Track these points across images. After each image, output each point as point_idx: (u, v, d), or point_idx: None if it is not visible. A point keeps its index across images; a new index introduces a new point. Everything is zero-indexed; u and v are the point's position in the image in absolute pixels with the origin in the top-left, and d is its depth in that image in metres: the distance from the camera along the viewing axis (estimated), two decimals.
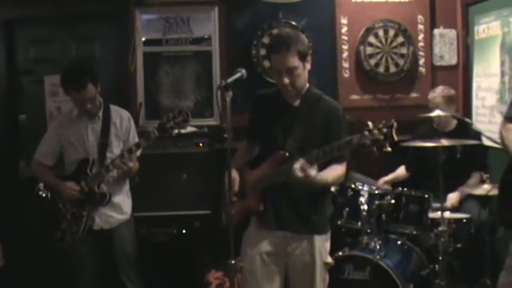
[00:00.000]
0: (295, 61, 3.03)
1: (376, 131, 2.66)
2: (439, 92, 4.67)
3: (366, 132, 2.69)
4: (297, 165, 2.86)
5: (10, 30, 5.37)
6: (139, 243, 4.24)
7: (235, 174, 3.23)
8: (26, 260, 5.18)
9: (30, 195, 4.06)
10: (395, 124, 2.65)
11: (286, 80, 3.06)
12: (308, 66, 3.12)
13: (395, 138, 2.63)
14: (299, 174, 2.86)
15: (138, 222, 4.37)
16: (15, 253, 5.06)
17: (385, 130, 2.65)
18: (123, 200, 4.04)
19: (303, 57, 3.06)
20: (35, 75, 5.36)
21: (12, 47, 5.39)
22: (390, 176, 4.95)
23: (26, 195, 4.32)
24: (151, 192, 4.65)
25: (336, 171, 3.09)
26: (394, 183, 4.86)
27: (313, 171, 2.89)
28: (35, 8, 5.18)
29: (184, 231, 4.75)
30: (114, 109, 4.04)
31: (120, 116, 4.03)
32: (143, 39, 5.30)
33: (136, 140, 3.97)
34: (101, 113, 3.96)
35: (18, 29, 5.40)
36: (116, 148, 3.95)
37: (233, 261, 2.87)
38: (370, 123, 2.69)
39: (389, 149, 2.66)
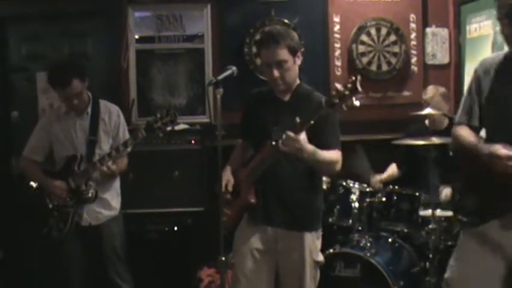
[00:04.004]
0: (284, 54, 3.06)
1: (342, 88, 2.73)
2: (434, 92, 4.67)
3: (333, 92, 2.76)
4: (283, 137, 2.89)
5: (2, 27, 5.36)
6: (131, 240, 4.25)
7: (228, 175, 3.26)
8: (17, 257, 5.18)
9: (22, 192, 4.06)
10: (359, 77, 2.71)
11: (276, 73, 3.07)
12: (298, 61, 3.15)
13: (359, 88, 2.69)
14: (286, 144, 2.89)
15: (130, 219, 4.37)
16: (7, 249, 5.08)
17: (349, 85, 2.71)
18: (112, 196, 4.03)
19: (292, 52, 3.08)
20: (27, 72, 5.36)
21: (4, 44, 5.37)
22: (385, 175, 4.94)
23: (18, 192, 4.32)
24: (143, 189, 4.63)
25: (331, 154, 3.11)
26: (387, 182, 4.86)
27: (302, 136, 2.90)
28: (27, 5, 5.15)
29: (176, 228, 4.75)
30: (104, 104, 4.02)
31: (109, 111, 4.01)
32: (136, 36, 5.29)
33: (127, 134, 3.98)
34: (89, 109, 3.95)
35: (10, 26, 5.39)
36: (105, 144, 3.95)
37: (223, 258, 2.88)
38: (337, 85, 2.79)
39: (356, 103, 2.74)
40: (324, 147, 3.05)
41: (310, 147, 2.95)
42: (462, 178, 3.11)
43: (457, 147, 3.15)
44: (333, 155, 3.11)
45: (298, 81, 3.23)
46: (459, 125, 3.11)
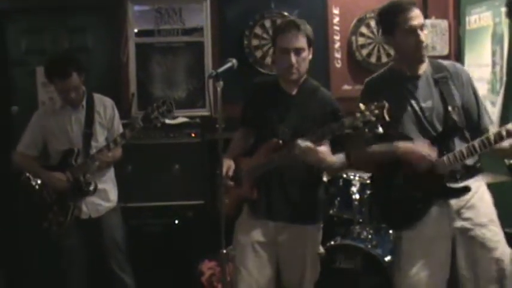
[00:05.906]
0: (303, 42, 3.08)
1: (367, 113, 2.69)
2: None
3: (358, 114, 2.71)
4: (302, 145, 2.87)
5: (2, 21, 5.36)
6: (132, 233, 4.26)
7: (229, 161, 3.25)
8: (18, 253, 5.19)
9: (22, 187, 4.07)
10: (386, 105, 2.66)
11: (294, 59, 3.07)
12: (310, 55, 3.16)
13: (387, 118, 2.65)
14: (306, 154, 2.89)
15: (131, 212, 4.38)
16: (7, 244, 5.08)
17: (376, 111, 2.67)
18: (109, 187, 4.06)
19: (309, 43, 3.11)
20: (27, 66, 5.36)
21: (4, 38, 5.38)
22: None
23: (18, 187, 4.32)
24: (143, 183, 4.66)
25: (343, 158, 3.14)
26: None
27: (323, 148, 2.92)
28: None
29: (176, 221, 4.76)
30: (98, 98, 4.04)
31: (104, 104, 4.04)
32: (135, 30, 5.30)
33: (121, 127, 4.01)
34: (84, 102, 3.97)
35: (10, 20, 5.39)
36: (100, 137, 3.97)
37: (224, 251, 2.89)
38: (362, 105, 2.71)
39: (380, 130, 2.69)
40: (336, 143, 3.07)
41: (332, 159, 3.00)
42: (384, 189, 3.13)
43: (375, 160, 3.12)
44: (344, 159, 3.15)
45: (305, 76, 3.23)
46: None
